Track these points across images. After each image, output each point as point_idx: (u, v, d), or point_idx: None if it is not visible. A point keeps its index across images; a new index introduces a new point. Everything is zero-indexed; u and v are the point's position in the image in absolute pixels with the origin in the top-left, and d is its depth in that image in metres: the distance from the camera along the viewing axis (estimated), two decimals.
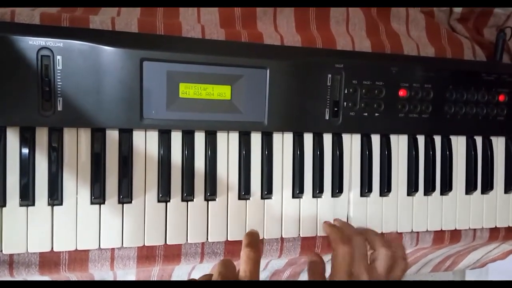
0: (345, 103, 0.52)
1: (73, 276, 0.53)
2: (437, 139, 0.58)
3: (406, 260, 0.47)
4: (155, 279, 0.61)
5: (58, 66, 0.42)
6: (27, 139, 0.43)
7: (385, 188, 0.55)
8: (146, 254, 0.49)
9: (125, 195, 0.46)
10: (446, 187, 0.58)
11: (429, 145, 0.57)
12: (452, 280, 1.29)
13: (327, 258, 0.62)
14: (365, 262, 0.44)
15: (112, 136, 0.46)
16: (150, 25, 0.50)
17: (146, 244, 0.47)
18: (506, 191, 0.61)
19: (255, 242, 0.43)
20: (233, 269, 0.40)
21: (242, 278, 0.38)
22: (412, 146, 0.56)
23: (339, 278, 0.42)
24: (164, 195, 0.47)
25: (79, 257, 0.47)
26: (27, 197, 0.43)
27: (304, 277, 0.71)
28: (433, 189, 0.57)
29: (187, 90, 0.47)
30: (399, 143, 0.56)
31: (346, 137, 0.54)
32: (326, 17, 0.59)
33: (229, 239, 0.50)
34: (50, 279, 0.52)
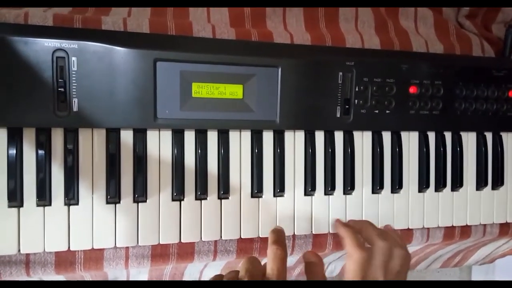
0: (356, 101, 0.52)
1: (87, 275, 0.54)
2: (448, 136, 0.58)
3: (407, 249, 0.47)
4: (167, 278, 0.61)
5: (73, 67, 0.43)
6: (43, 140, 0.44)
7: (397, 185, 0.55)
8: (160, 252, 0.49)
9: (140, 194, 0.46)
10: (457, 183, 0.58)
11: (440, 141, 0.57)
12: (458, 275, 1.29)
13: (337, 255, 0.63)
14: (384, 268, 0.43)
15: (127, 136, 0.47)
16: (161, 26, 0.50)
17: (161, 242, 0.48)
18: None
19: (281, 239, 0.43)
20: (260, 267, 0.40)
21: (270, 275, 0.38)
22: (423, 143, 0.56)
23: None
24: (178, 194, 0.48)
25: (94, 256, 0.47)
26: (43, 197, 0.43)
27: None
28: (444, 186, 0.57)
29: (200, 90, 0.47)
30: (410, 140, 0.56)
31: (357, 135, 0.54)
32: (335, 15, 0.59)
33: (242, 236, 0.51)
34: (65, 279, 0.53)
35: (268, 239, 0.43)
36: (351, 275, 0.42)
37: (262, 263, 0.42)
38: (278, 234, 0.44)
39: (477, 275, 1.26)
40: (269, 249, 0.41)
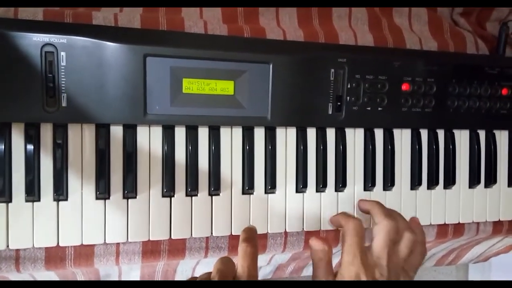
0: (348, 98, 0.52)
1: (78, 271, 0.54)
2: (440, 133, 0.58)
3: (425, 246, 0.48)
4: (160, 275, 0.61)
5: (62, 62, 0.43)
6: (32, 135, 0.43)
7: (389, 182, 0.55)
8: (151, 249, 0.49)
9: (130, 190, 0.46)
10: (450, 181, 0.58)
11: (432, 139, 0.57)
12: (455, 273, 1.30)
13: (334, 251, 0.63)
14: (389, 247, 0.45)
15: (116, 132, 0.46)
16: (152, 21, 0.50)
17: (151, 239, 0.48)
18: (509, 185, 0.61)
19: (252, 237, 0.42)
20: (232, 266, 0.39)
21: (240, 273, 0.38)
22: (415, 140, 0.56)
23: (380, 250, 0.44)
24: (168, 190, 0.47)
25: (85, 252, 0.47)
26: (32, 192, 0.43)
27: (307, 272, 0.72)
28: (437, 183, 0.57)
29: (191, 86, 0.47)
30: (402, 138, 0.56)
31: (349, 132, 0.54)
32: (328, 12, 0.59)
33: (233, 233, 0.50)
34: (57, 275, 0.53)
35: (240, 238, 0.43)
36: (379, 242, 0.44)
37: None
38: (249, 232, 0.43)
39: (474, 274, 1.26)
40: (239, 247, 0.40)
